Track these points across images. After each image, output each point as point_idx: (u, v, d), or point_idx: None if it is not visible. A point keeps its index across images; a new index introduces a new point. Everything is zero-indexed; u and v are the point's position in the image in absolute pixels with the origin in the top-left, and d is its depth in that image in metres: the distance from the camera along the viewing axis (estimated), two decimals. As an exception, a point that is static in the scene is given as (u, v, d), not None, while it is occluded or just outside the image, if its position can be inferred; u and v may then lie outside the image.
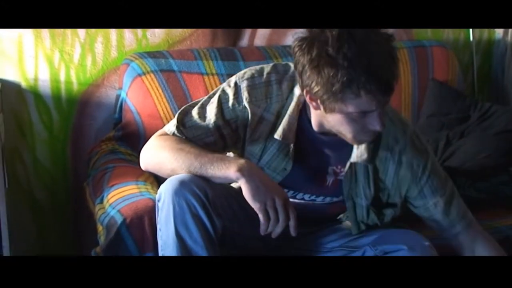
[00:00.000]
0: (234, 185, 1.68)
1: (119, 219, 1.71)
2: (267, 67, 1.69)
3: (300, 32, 1.53)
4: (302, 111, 1.65)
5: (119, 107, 2.31)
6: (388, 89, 1.49)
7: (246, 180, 1.52)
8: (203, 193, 1.53)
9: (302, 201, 1.76)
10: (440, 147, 2.46)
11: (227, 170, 1.54)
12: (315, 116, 1.62)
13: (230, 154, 1.73)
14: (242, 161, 1.56)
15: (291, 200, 1.70)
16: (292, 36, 1.55)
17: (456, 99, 2.64)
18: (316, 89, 1.50)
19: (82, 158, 2.35)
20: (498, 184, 2.27)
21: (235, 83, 1.67)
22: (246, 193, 1.52)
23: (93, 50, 2.37)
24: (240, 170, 1.53)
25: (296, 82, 1.62)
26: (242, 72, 1.69)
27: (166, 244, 1.56)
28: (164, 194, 1.55)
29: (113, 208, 1.77)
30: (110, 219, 1.75)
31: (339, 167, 1.71)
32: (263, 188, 1.52)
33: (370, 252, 1.69)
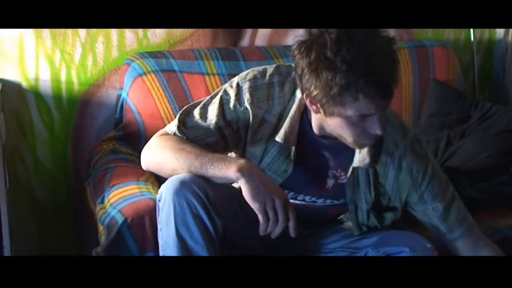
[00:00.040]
0: (235, 185, 1.68)
1: (120, 219, 1.71)
2: (270, 69, 1.69)
3: (301, 35, 1.53)
4: (304, 114, 1.65)
5: (120, 107, 2.31)
6: (387, 92, 1.48)
7: (246, 180, 1.52)
8: (203, 193, 1.53)
9: (303, 203, 1.76)
10: (441, 147, 2.46)
11: (227, 170, 1.54)
12: (316, 120, 1.62)
13: (232, 154, 1.73)
14: (242, 161, 1.56)
15: (292, 201, 1.70)
16: (292, 40, 1.55)
17: (457, 99, 2.64)
18: (315, 92, 1.50)
19: (83, 158, 2.35)
20: (499, 184, 2.27)
21: (237, 84, 1.67)
22: (246, 193, 1.52)
23: (94, 50, 2.37)
24: (240, 170, 1.53)
25: None
26: (244, 73, 1.69)
27: (167, 244, 1.56)
28: (165, 194, 1.55)
29: (114, 208, 1.77)
30: (111, 219, 1.75)
31: (339, 171, 1.70)
32: (263, 188, 1.52)
33: (372, 254, 1.69)
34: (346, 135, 1.56)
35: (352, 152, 1.65)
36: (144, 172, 1.76)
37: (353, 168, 1.66)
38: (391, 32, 1.55)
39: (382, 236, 1.72)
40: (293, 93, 1.65)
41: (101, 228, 1.80)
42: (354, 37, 1.45)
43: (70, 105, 2.38)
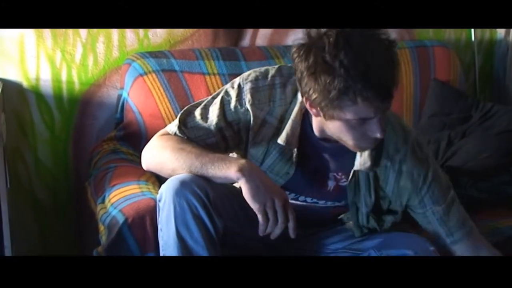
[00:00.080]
0: (236, 184, 1.68)
1: (120, 219, 1.71)
2: (272, 70, 1.68)
3: (300, 38, 1.52)
4: (305, 116, 1.64)
5: (120, 107, 2.31)
6: (386, 96, 1.48)
7: (246, 180, 1.52)
8: (204, 193, 1.53)
9: (304, 203, 1.76)
10: (442, 147, 2.46)
11: (227, 170, 1.54)
12: (316, 123, 1.62)
13: (233, 154, 1.73)
14: (243, 161, 1.56)
15: (293, 202, 1.70)
16: (293, 41, 1.55)
17: (458, 99, 2.64)
18: (314, 96, 1.50)
19: (83, 158, 2.35)
20: (500, 184, 2.27)
21: (239, 85, 1.66)
22: (246, 194, 1.52)
23: (95, 50, 2.37)
24: (241, 170, 1.52)
25: None
26: (246, 73, 1.69)
27: (167, 244, 1.55)
28: (165, 194, 1.55)
29: (115, 208, 1.77)
30: (111, 219, 1.75)
31: (340, 173, 1.70)
32: (263, 188, 1.52)
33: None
34: (347, 138, 1.56)
35: (353, 155, 1.65)
36: (144, 172, 1.76)
37: (354, 171, 1.66)
38: (392, 32, 1.54)
39: (385, 238, 1.72)
40: (294, 95, 1.64)
41: (102, 228, 1.80)
42: (352, 40, 1.45)
43: (71, 105, 2.38)
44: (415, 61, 2.65)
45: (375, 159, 1.65)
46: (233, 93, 1.66)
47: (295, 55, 1.52)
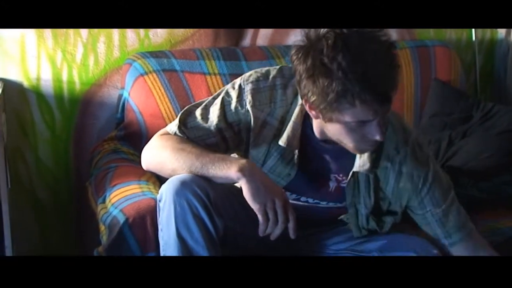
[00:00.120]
0: (237, 184, 1.68)
1: (121, 219, 1.71)
2: (273, 70, 1.68)
3: (299, 39, 1.51)
4: (306, 117, 1.64)
5: (121, 106, 2.32)
6: (385, 98, 1.47)
7: (247, 181, 1.52)
8: (204, 193, 1.53)
9: (306, 204, 1.75)
10: (443, 147, 2.46)
11: (228, 170, 1.53)
12: (316, 124, 1.62)
13: (234, 155, 1.73)
14: (243, 161, 1.56)
15: (295, 202, 1.70)
16: (293, 42, 1.54)
17: (459, 99, 2.64)
18: (312, 98, 1.49)
19: (84, 157, 2.35)
20: (501, 184, 2.27)
21: (240, 86, 1.66)
22: (246, 194, 1.52)
23: (96, 50, 2.37)
24: (241, 170, 1.52)
25: None
26: (247, 74, 1.68)
27: (168, 245, 1.55)
28: (165, 194, 1.54)
29: (116, 208, 1.77)
30: (112, 219, 1.75)
31: (341, 175, 1.70)
32: (263, 189, 1.52)
33: None
34: (346, 141, 1.55)
35: (354, 157, 1.64)
36: (145, 172, 1.76)
37: (353, 172, 1.66)
38: (393, 32, 1.53)
39: (388, 240, 1.72)
40: (295, 96, 1.64)
41: (102, 228, 1.80)
42: (351, 43, 1.44)
43: (72, 104, 2.38)
44: (416, 61, 2.65)
45: (375, 161, 1.65)
46: (233, 94, 1.65)
47: (294, 57, 1.51)
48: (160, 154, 1.62)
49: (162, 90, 2.26)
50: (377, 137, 1.52)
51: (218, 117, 1.64)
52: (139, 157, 1.72)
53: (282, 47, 2.49)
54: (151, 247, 1.70)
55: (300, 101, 1.62)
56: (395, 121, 1.68)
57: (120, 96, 2.32)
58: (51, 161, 2.40)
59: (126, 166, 2.07)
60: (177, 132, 1.64)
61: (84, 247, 2.34)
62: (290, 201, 1.64)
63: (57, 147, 2.40)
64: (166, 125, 1.72)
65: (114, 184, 1.92)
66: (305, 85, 1.50)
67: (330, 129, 1.55)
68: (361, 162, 1.63)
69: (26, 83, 2.31)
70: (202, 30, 2.49)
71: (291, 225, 1.54)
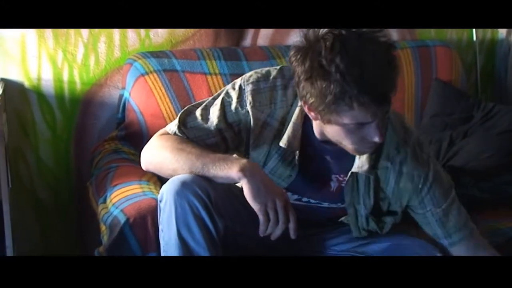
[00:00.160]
0: (238, 184, 1.68)
1: (122, 219, 1.71)
2: (273, 71, 1.67)
3: (298, 41, 1.51)
4: (306, 118, 1.63)
5: (122, 106, 2.32)
6: (383, 101, 1.46)
7: (248, 181, 1.52)
8: (205, 193, 1.52)
9: (308, 204, 1.75)
10: (444, 147, 2.45)
11: (229, 170, 1.53)
12: (316, 126, 1.62)
13: (234, 155, 1.72)
14: (244, 161, 1.55)
15: (296, 203, 1.70)
16: (293, 43, 1.54)
17: (460, 99, 2.64)
18: (311, 100, 1.49)
19: (85, 157, 2.35)
20: (501, 184, 2.27)
21: (240, 86, 1.66)
22: (247, 194, 1.52)
23: (96, 50, 2.37)
24: (242, 170, 1.52)
25: None
26: (248, 74, 1.68)
27: (168, 245, 1.55)
28: (166, 194, 1.54)
29: (116, 208, 1.77)
30: (113, 219, 1.75)
31: (342, 175, 1.69)
32: (264, 189, 1.52)
33: None
34: (345, 142, 1.55)
35: (354, 157, 1.64)
36: (146, 171, 1.75)
37: (352, 173, 1.65)
38: (394, 32, 1.53)
39: (391, 243, 1.71)
40: (296, 97, 1.63)
41: (103, 228, 1.80)
42: (349, 44, 1.43)
43: (73, 104, 2.38)
44: (416, 61, 2.65)
45: (374, 162, 1.65)
46: (234, 95, 1.65)
47: (293, 59, 1.51)
48: (159, 154, 1.61)
49: (163, 90, 2.26)
50: (376, 139, 1.51)
51: (218, 117, 1.63)
52: (140, 157, 1.72)
53: (283, 47, 2.49)
54: (152, 247, 1.70)
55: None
56: (396, 121, 1.67)
57: (121, 96, 2.32)
58: (52, 161, 2.40)
59: (127, 166, 2.07)
60: (177, 132, 1.64)
61: (85, 247, 2.34)
62: (292, 201, 1.64)
63: (58, 147, 2.40)
64: (167, 125, 1.72)
65: (115, 184, 1.92)
66: (303, 87, 1.49)
67: (329, 130, 1.55)
68: (359, 163, 1.63)
69: (27, 83, 2.31)
70: (203, 30, 2.49)
71: (291, 225, 1.54)
